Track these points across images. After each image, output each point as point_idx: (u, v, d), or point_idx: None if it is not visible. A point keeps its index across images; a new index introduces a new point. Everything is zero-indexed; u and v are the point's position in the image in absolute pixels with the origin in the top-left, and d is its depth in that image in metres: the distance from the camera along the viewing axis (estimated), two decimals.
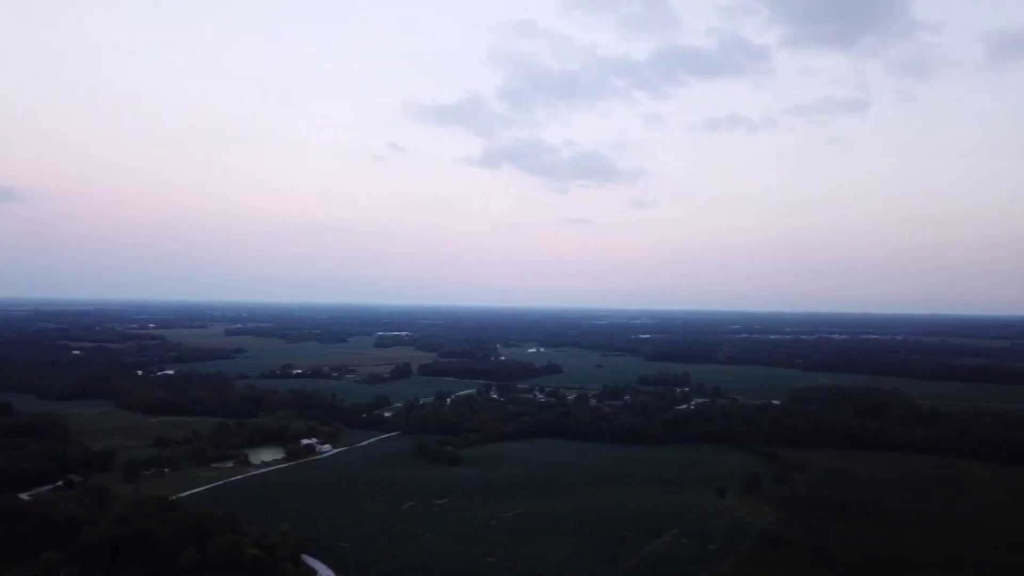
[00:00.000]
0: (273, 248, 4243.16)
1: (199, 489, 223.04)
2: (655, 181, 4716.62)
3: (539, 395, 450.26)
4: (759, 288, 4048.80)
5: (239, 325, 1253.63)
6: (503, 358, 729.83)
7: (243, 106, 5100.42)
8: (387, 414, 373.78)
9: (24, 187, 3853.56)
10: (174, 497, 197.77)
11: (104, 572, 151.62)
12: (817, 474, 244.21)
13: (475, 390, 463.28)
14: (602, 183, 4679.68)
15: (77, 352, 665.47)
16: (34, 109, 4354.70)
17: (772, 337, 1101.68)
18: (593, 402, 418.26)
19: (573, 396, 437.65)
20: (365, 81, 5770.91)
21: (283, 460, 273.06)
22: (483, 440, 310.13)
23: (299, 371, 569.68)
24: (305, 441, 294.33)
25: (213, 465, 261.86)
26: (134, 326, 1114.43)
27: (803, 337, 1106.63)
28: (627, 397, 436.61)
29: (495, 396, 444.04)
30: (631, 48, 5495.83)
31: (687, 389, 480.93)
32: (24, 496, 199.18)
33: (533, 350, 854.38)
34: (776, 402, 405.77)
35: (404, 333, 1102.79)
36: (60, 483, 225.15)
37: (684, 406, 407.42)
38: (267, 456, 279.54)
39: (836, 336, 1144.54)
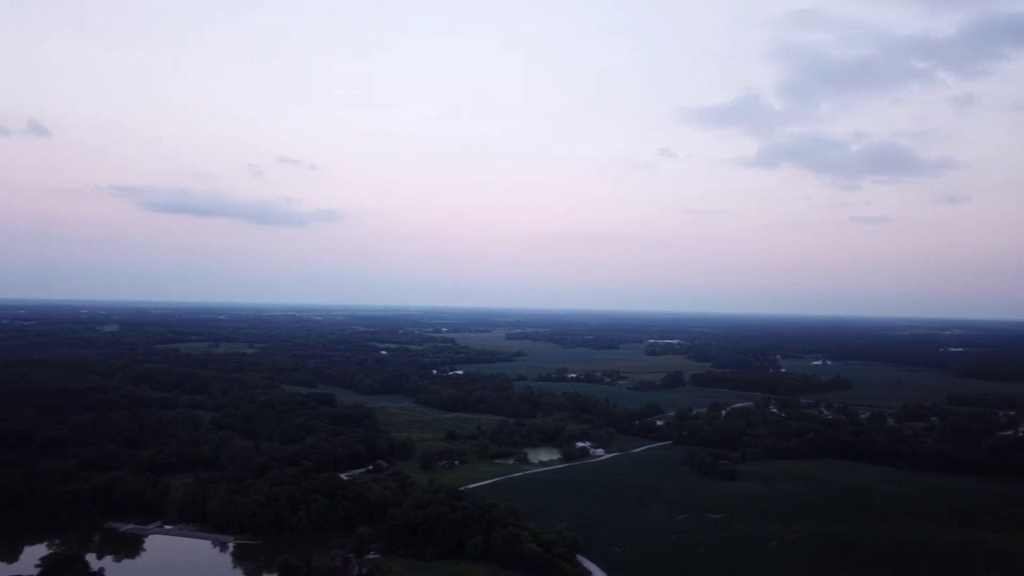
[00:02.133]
0: (548, 257, 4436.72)
1: (484, 483, 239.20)
2: (968, 172, 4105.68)
3: (825, 411, 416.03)
4: None
5: (518, 330, 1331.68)
6: (783, 370, 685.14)
7: (514, 121, 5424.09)
8: (659, 422, 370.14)
9: (344, 208, 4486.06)
10: (462, 488, 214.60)
11: (405, 549, 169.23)
12: None
13: (752, 403, 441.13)
14: (900, 177, 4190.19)
15: (384, 352, 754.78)
16: (351, 147, 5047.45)
17: None
18: (891, 422, 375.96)
19: (866, 414, 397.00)
20: (635, 89, 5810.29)
21: (559, 460, 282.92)
22: (761, 456, 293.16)
23: (573, 375, 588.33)
24: (580, 443, 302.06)
25: (496, 461, 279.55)
26: (429, 330, 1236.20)
27: None
28: (934, 418, 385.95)
29: (775, 410, 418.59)
30: (935, 24, 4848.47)
31: (1012, 412, 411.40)
32: (343, 476, 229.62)
33: (818, 362, 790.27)
34: None
35: (675, 341, 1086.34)
36: (370, 467, 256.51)
37: (1010, 432, 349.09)
38: (544, 455, 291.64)
39: None
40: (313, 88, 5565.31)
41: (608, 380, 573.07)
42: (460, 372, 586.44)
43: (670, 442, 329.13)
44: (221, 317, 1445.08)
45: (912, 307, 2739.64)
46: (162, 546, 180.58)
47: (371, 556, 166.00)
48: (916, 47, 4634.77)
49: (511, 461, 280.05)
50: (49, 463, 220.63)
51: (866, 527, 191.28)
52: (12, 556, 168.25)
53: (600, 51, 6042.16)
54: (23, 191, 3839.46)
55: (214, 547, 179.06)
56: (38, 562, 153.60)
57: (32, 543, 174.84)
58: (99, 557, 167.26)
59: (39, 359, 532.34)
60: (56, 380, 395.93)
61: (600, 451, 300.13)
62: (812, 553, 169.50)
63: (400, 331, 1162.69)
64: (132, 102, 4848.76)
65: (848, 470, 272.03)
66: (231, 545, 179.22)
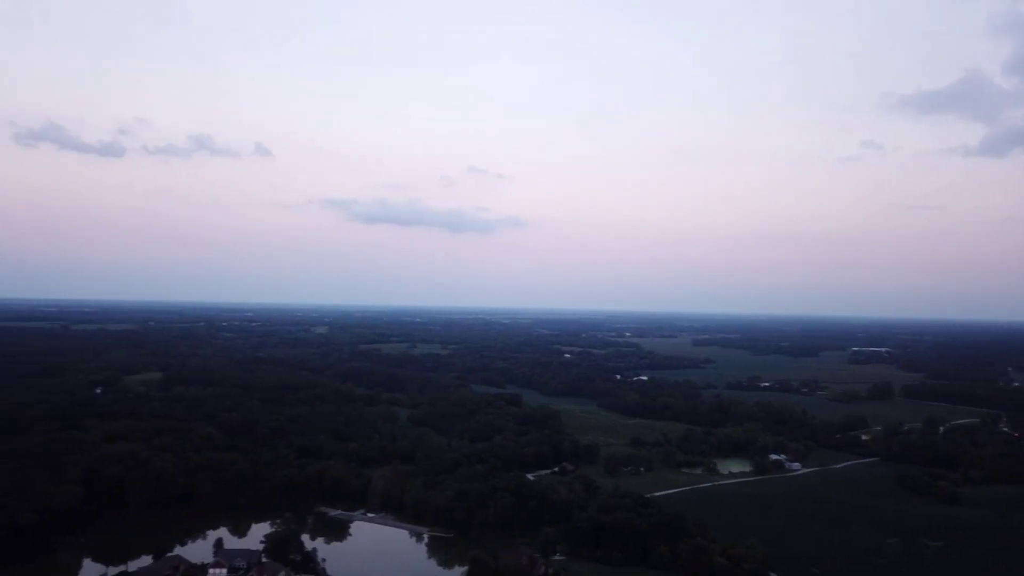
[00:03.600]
0: (735, 259, 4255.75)
1: (670, 491, 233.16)
2: None
3: None
4: None
5: (706, 336, 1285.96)
6: (1016, 384, 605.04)
7: (700, 117, 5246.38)
8: (864, 437, 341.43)
9: (529, 215, 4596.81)
10: (649, 495, 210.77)
11: (590, 553, 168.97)
12: None
13: (978, 420, 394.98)
14: None
15: (568, 355, 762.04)
16: (534, 156, 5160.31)
17: None
18: None
19: None
20: (833, 77, 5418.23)
21: (750, 473, 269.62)
22: (989, 479, 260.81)
23: (766, 384, 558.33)
24: (773, 456, 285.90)
25: (682, 469, 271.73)
26: (612, 334, 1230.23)
27: None
28: None
29: (1006, 429, 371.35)
30: None
31: None
32: (529, 476, 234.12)
33: None
34: None
35: (883, 349, 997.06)
36: (556, 469, 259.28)
37: None
38: (733, 467, 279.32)
39: None
40: (497, 100, 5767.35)
41: (805, 390, 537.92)
42: (644, 378, 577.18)
43: (877, 459, 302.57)
44: (417, 320, 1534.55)
45: None
46: (366, 532, 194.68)
47: (556, 557, 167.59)
48: None
49: (699, 471, 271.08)
50: (270, 451, 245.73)
51: None
52: (242, 532, 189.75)
53: (795, 37, 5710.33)
54: (251, 206, 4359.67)
55: (410, 537, 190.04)
56: (263, 539, 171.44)
57: (257, 522, 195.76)
58: (312, 538, 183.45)
59: (262, 357, 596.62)
60: (276, 376, 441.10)
61: (796, 465, 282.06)
62: None
63: (583, 335, 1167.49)
64: (340, 123, 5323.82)
65: None
66: (425, 536, 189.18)
